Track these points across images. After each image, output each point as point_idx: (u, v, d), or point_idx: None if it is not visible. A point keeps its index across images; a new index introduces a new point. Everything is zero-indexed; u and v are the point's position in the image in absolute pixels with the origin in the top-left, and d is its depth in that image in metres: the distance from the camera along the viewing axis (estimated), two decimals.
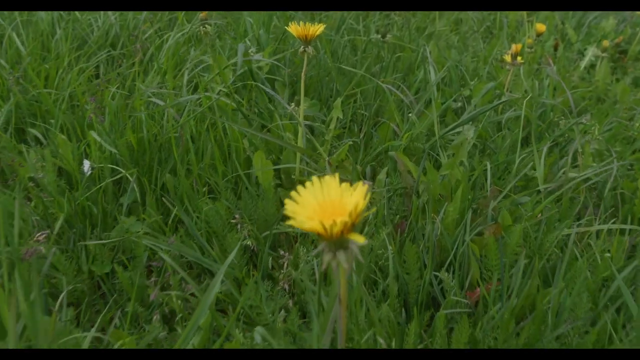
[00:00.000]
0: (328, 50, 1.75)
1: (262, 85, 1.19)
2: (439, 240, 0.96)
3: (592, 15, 2.45)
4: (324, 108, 1.51)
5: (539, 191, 1.25)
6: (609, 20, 2.33)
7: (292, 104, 1.19)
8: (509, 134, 1.47)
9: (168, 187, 1.17)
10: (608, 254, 0.96)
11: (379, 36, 1.77)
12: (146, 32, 1.86)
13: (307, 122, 1.31)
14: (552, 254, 1.02)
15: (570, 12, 2.55)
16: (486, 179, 1.15)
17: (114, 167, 1.16)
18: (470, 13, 2.61)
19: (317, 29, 1.08)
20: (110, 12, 1.82)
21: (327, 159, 1.10)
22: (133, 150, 1.21)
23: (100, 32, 1.77)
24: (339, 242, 0.47)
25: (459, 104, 1.65)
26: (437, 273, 0.91)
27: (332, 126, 1.19)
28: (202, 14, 1.48)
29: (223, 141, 1.21)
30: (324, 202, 0.48)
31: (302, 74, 1.12)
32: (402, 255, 0.89)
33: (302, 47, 1.10)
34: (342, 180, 0.50)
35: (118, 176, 1.14)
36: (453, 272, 0.93)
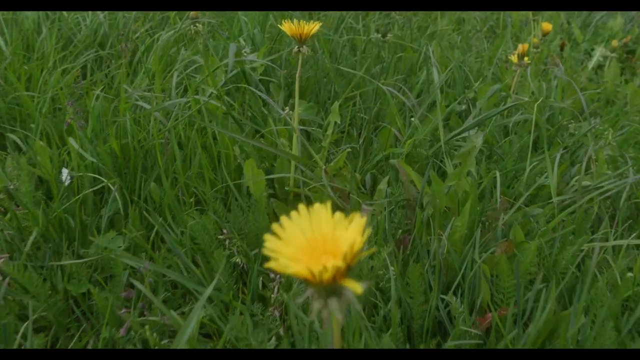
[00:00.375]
0: (326, 50, 1.65)
1: (253, 89, 1.10)
2: (446, 259, 0.86)
3: (598, 14, 2.35)
4: (322, 111, 1.42)
5: (550, 200, 1.16)
6: (617, 19, 2.23)
7: (287, 107, 1.10)
8: (516, 138, 1.38)
9: (154, 197, 1.07)
10: (630, 274, 0.87)
11: (379, 35, 1.68)
12: (137, 31, 1.76)
13: (303, 128, 1.22)
14: (567, 272, 0.93)
15: (576, 11, 2.45)
16: (495, 189, 1.05)
17: (95, 176, 1.07)
18: (472, 12, 2.51)
19: (313, 27, 0.98)
20: (99, 12, 1.72)
21: (323, 167, 1.01)
22: (116, 158, 1.12)
23: (88, 31, 1.67)
24: (330, 289, 0.37)
25: (463, 107, 1.55)
26: (443, 296, 0.81)
27: (329, 132, 1.10)
28: (193, 13, 1.38)
29: (212, 148, 1.11)
30: (313, 238, 0.39)
31: (297, 75, 1.02)
32: (406, 278, 0.79)
33: (297, 47, 1.00)
34: (335, 208, 0.40)
35: (99, 186, 1.05)
36: (461, 295, 0.84)
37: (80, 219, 1.01)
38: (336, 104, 1.09)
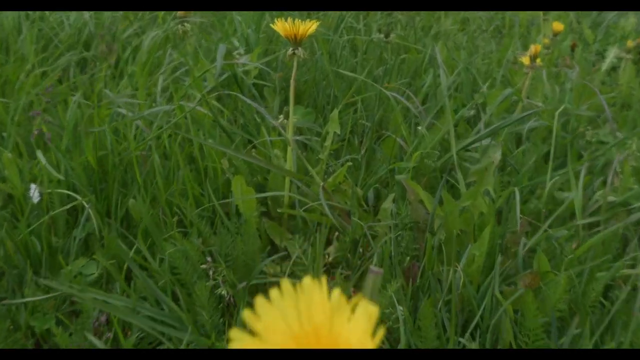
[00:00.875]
0: (325, 51, 1.53)
1: (242, 96, 0.97)
2: (462, 294, 0.74)
3: (609, 13, 2.22)
4: (320, 118, 1.29)
5: (574, 222, 1.04)
6: (629, 19, 2.10)
7: (281, 116, 0.97)
8: (531, 147, 1.25)
9: (134, 215, 0.95)
10: None
11: (382, 36, 1.55)
12: (124, 30, 1.64)
13: (299, 138, 1.10)
14: (596, 304, 0.80)
15: (585, 11, 2.32)
16: (509, 203, 0.93)
17: (68, 192, 0.95)
18: (477, 12, 2.39)
19: (309, 27, 0.86)
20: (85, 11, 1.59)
21: (321, 184, 0.88)
22: (93, 172, 0.99)
23: (72, 30, 1.54)
24: None
25: (472, 112, 1.43)
26: (460, 339, 0.69)
27: (328, 143, 0.97)
28: (181, 12, 1.26)
29: (199, 160, 0.99)
30: (302, 332, 0.26)
31: (292, 80, 0.90)
32: (417, 321, 0.67)
33: (291, 49, 0.88)
34: (328, 282, 0.28)
35: (70, 205, 0.92)
36: (480, 336, 0.71)
37: (48, 242, 0.89)
38: (335, 112, 0.97)
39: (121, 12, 1.65)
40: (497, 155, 0.81)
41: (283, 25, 0.86)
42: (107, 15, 1.63)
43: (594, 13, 2.24)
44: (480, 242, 0.74)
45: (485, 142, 1.08)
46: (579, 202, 0.90)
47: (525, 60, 1.50)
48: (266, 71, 1.36)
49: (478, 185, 0.81)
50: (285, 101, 1.34)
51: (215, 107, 1.19)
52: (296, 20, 0.86)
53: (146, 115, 0.99)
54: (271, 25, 0.87)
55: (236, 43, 1.51)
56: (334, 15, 2.00)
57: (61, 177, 0.90)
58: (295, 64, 0.89)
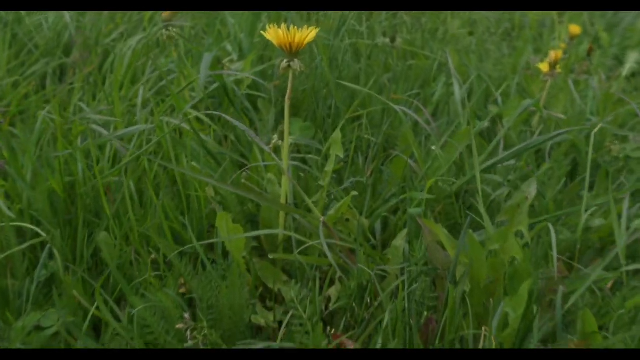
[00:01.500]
0: (325, 57, 1.38)
1: (229, 118, 0.82)
2: None
3: (625, 14, 2.07)
4: (320, 133, 1.14)
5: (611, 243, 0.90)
6: None
7: (275, 136, 0.82)
8: (554, 165, 1.10)
9: (103, 251, 0.80)
10: None
11: (387, 40, 1.40)
12: (110, 34, 1.49)
13: (296, 163, 0.95)
14: None
15: (599, 12, 2.17)
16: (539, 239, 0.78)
17: (26, 225, 0.80)
18: (484, 13, 2.23)
19: (307, 35, 0.71)
20: (65, 12, 1.44)
21: (321, 219, 0.73)
22: (59, 201, 0.85)
23: (50, 34, 1.39)
24: None
25: (486, 123, 1.28)
26: None
27: (329, 168, 0.82)
28: (165, 14, 1.11)
29: (180, 188, 0.84)
30: None
31: (286, 99, 0.75)
32: None
33: (286, 60, 0.73)
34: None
35: (28, 244, 0.78)
36: None
37: (1, 287, 0.74)
38: (338, 134, 0.82)
39: (106, 14, 1.50)
40: (532, 191, 0.66)
41: (276, 32, 0.71)
42: (90, 16, 1.48)
43: (609, 14, 2.09)
44: (516, 301, 0.59)
45: (526, 184, 0.94)
46: (621, 240, 0.75)
47: (544, 67, 1.35)
48: (262, 78, 1.21)
49: (510, 226, 0.66)
50: (282, 113, 1.19)
51: (203, 123, 1.05)
52: (292, 27, 0.71)
53: (122, 135, 0.84)
54: (262, 32, 0.72)
55: (229, 48, 1.36)
56: (335, 16, 1.85)
57: (11, 214, 0.76)
58: (290, 78, 0.74)
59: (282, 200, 0.80)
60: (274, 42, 0.72)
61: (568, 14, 1.66)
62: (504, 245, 0.67)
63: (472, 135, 0.97)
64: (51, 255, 0.79)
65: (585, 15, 2.00)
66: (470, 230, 0.64)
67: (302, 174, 0.95)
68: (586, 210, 0.84)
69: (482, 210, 0.72)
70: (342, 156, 0.82)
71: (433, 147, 0.93)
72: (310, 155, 1.03)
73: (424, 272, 0.70)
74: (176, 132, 0.95)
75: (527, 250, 0.65)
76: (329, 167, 0.83)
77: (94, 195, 0.85)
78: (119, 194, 0.83)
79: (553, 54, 1.31)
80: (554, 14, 1.67)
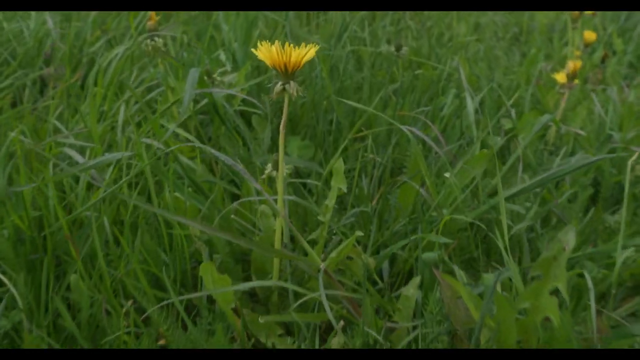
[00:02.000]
0: (325, 67, 1.27)
1: (212, 151, 0.70)
2: None
3: (638, 18, 1.95)
4: (320, 152, 1.03)
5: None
6: None
7: (269, 165, 0.71)
8: (578, 191, 0.99)
9: (72, 301, 0.70)
10: None
11: (392, 49, 1.29)
12: (96, 41, 1.38)
13: (290, 197, 0.84)
14: None
15: (609, 14, 2.05)
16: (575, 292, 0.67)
17: None
18: (491, 17, 2.12)
19: (304, 54, 0.60)
20: (48, 17, 1.33)
21: (321, 267, 0.62)
22: (25, 240, 0.74)
23: (32, 42, 1.28)
24: None
25: (499, 139, 1.17)
26: None
27: (330, 202, 0.71)
28: (151, 21, 0.99)
29: (161, 226, 0.73)
30: None
31: (281, 127, 0.64)
32: None
33: (280, 83, 0.62)
34: None
35: None
36: None
37: None
38: (340, 164, 0.71)
39: (93, 18, 1.38)
40: (570, 240, 0.55)
41: (269, 51, 0.60)
42: (75, 23, 1.37)
43: (621, 18, 1.97)
44: None
45: (563, 231, 0.82)
46: None
47: (560, 77, 1.24)
48: (256, 93, 1.10)
49: (544, 281, 0.55)
50: (279, 130, 1.08)
51: (191, 142, 0.94)
52: (287, 45, 0.59)
53: (96, 165, 0.73)
54: (254, 50, 0.61)
55: (222, 57, 1.25)
56: (335, 19, 1.73)
57: None
58: (286, 103, 0.63)
59: (277, 240, 0.69)
60: (267, 62, 0.61)
61: (581, 18, 1.55)
62: (537, 303, 0.56)
63: (489, 158, 0.87)
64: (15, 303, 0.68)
65: (597, 18, 1.89)
66: (499, 290, 0.53)
67: (300, 206, 0.84)
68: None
69: (508, 259, 0.61)
70: (345, 189, 0.71)
71: (447, 175, 0.82)
72: (309, 180, 0.92)
73: (441, 332, 0.59)
74: (160, 158, 0.84)
75: (565, 312, 0.54)
76: (330, 200, 0.72)
77: (63, 232, 0.74)
78: (92, 231, 0.72)
79: (571, 65, 1.20)
80: (567, 18, 1.56)
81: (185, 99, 0.78)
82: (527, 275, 0.75)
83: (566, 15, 2.15)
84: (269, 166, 0.73)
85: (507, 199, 0.82)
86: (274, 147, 1.02)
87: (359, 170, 0.99)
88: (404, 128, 0.86)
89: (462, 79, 1.02)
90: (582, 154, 1.04)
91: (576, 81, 1.21)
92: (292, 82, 0.61)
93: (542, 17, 2.07)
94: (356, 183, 0.90)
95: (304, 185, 0.97)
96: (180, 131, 0.93)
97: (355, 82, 1.32)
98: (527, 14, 2.11)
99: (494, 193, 0.96)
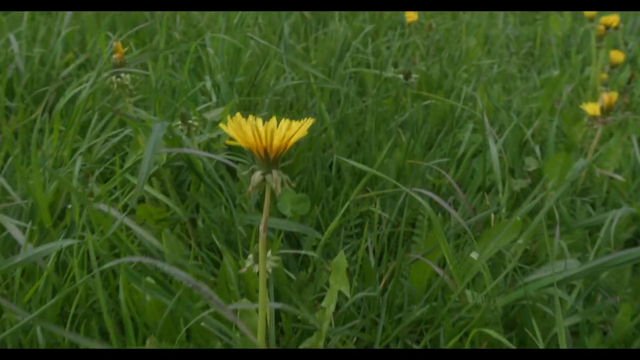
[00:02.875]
0: (323, 99, 1.09)
1: (181, 274, 0.52)
2: None
3: None
4: (317, 208, 0.85)
5: None
6: None
7: (250, 257, 0.53)
8: (609, 247, 0.82)
9: None
10: None
11: (400, 76, 1.10)
12: (66, 65, 1.19)
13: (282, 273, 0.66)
14: None
15: (629, 25, 1.86)
16: None
17: None
18: (501, 27, 1.93)
19: (292, 135, 0.42)
20: (12, 37, 1.14)
21: None
22: None
23: None
24: None
25: (522, 183, 0.99)
26: None
27: (328, 308, 0.53)
28: (117, 55, 0.81)
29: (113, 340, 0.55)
30: None
31: (261, 231, 0.46)
32: None
33: (260, 172, 0.44)
34: None
35: None
36: None
37: None
38: (343, 259, 0.53)
39: (62, 40, 1.20)
40: None
41: (243, 131, 0.42)
42: (41, 46, 1.19)
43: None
44: None
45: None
46: None
47: (590, 109, 1.06)
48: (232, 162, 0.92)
49: None
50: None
51: (161, 202, 0.76)
52: (268, 123, 0.41)
53: (33, 258, 0.55)
54: (222, 126, 0.43)
55: (208, 84, 1.06)
56: (336, 35, 1.55)
57: None
58: (267, 200, 0.45)
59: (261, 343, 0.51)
60: (242, 143, 0.43)
61: (605, 37, 1.36)
62: None
63: (520, 229, 0.69)
64: None
65: (619, 32, 1.70)
66: None
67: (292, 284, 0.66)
68: None
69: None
70: (347, 293, 0.53)
71: (474, 255, 0.64)
72: (303, 252, 0.74)
73: None
74: (121, 229, 0.66)
75: None
76: (329, 306, 0.54)
77: None
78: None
79: (606, 98, 1.02)
80: (592, 40, 1.37)
81: (141, 174, 0.59)
82: None
83: (584, 23, 1.96)
84: (250, 258, 0.55)
85: (547, 286, 0.65)
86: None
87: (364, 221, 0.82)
88: (416, 196, 0.68)
89: (485, 123, 0.84)
90: (626, 207, 0.86)
91: (611, 114, 1.03)
92: (274, 172, 0.43)
93: (557, 29, 1.89)
94: (361, 258, 0.71)
95: (296, 258, 0.79)
96: (150, 189, 0.75)
97: (357, 109, 1.14)
98: (540, 25, 1.92)
99: (526, 266, 0.79)
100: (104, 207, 0.66)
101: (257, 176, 0.43)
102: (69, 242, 0.55)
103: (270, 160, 0.43)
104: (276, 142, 0.41)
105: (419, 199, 0.66)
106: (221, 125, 0.43)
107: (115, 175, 0.75)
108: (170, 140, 0.71)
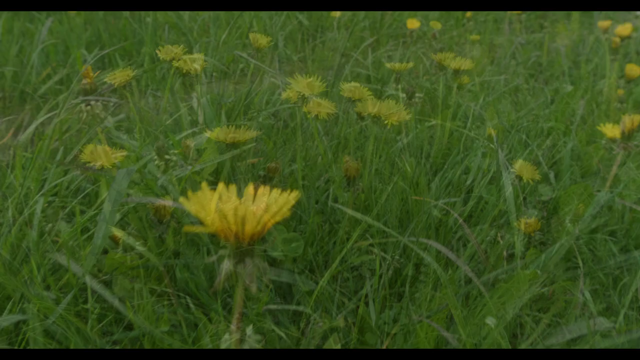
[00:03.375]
0: (315, 129, 0.99)
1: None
2: None
3: None
4: (310, 250, 0.75)
5: None
6: None
7: (232, 327, 0.44)
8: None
9: None
10: None
11: (403, 95, 1.01)
12: (45, 81, 1.10)
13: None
14: None
15: None
16: None
17: None
18: (507, 35, 1.83)
19: (269, 219, 0.32)
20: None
21: None
22: None
23: None
24: None
25: (537, 214, 0.89)
26: None
27: None
28: (87, 80, 0.71)
29: None
30: None
31: (233, 323, 0.36)
32: None
33: (227, 261, 0.34)
34: None
35: None
36: None
37: None
38: (336, 343, 0.43)
39: (38, 50, 1.10)
40: None
41: (208, 210, 0.32)
42: (15, 63, 1.09)
43: None
44: None
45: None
46: None
47: (610, 131, 0.96)
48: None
49: None
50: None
51: (135, 250, 0.66)
52: (239, 205, 0.32)
53: None
54: (183, 201, 0.33)
55: (195, 103, 0.97)
56: (333, 45, 1.45)
57: None
58: (239, 299, 0.35)
59: None
60: (207, 227, 0.33)
61: (620, 49, 1.26)
62: None
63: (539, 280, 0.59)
64: None
65: (631, 41, 1.59)
66: None
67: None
68: None
69: None
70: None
71: (490, 322, 0.54)
72: (294, 307, 0.64)
73: None
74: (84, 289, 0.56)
75: None
76: None
77: None
78: None
79: (628, 122, 0.92)
80: (607, 52, 1.27)
81: (96, 238, 0.49)
82: None
83: (593, 30, 1.86)
84: (233, 325, 0.45)
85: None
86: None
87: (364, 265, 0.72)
88: (419, 251, 0.58)
89: (500, 156, 0.74)
90: None
91: (632, 140, 0.93)
92: (248, 261, 0.33)
93: (564, 37, 1.78)
94: (360, 316, 0.62)
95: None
96: (119, 232, 0.66)
97: (357, 129, 1.04)
98: (547, 34, 1.82)
99: (540, 314, 0.69)
100: (63, 258, 0.56)
101: (226, 267, 0.34)
102: (24, 317, 0.45)
103: (243, 246, 0.33)
104: (249, 228, 0.31)
105: (422, 253, 0.57)
106: (181, 200, 0.34)
107: (83, 216, 0.65)
108: (142, 184, 0.61)
